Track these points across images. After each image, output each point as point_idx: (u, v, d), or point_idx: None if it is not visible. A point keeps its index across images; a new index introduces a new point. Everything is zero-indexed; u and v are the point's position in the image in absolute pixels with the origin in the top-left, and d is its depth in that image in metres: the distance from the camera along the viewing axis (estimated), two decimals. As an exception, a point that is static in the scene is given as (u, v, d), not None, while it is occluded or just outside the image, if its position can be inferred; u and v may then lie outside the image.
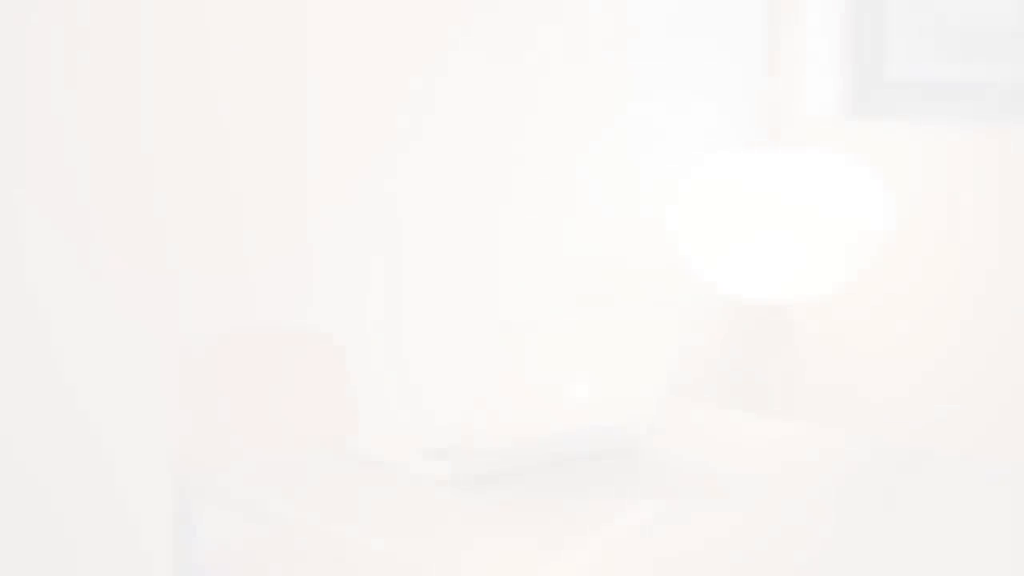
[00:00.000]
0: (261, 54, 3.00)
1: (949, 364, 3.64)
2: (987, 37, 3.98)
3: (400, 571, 1.64)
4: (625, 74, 3.64)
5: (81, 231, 2.83)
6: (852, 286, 3.68)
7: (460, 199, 3.38)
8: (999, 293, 3.54)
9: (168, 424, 2.40)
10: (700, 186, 3.50)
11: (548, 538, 1.74)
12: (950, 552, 1.70)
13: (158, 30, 2.90)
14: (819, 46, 3.89)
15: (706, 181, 3.50)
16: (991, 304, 3.55)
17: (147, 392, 2.77)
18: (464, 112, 3.35)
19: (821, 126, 3.83)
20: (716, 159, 3.54)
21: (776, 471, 2.05)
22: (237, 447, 2.30)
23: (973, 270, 3.57)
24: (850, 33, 3.93)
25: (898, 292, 3.73)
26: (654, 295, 3.63)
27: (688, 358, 3.58)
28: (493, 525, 1.78)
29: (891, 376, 3.76)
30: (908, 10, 3.94)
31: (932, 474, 2.09)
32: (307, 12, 3.02)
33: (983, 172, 3.57)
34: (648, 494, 1.90)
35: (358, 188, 3.17)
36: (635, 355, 1.99)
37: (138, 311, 2.89)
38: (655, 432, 2.11)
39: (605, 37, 3.58)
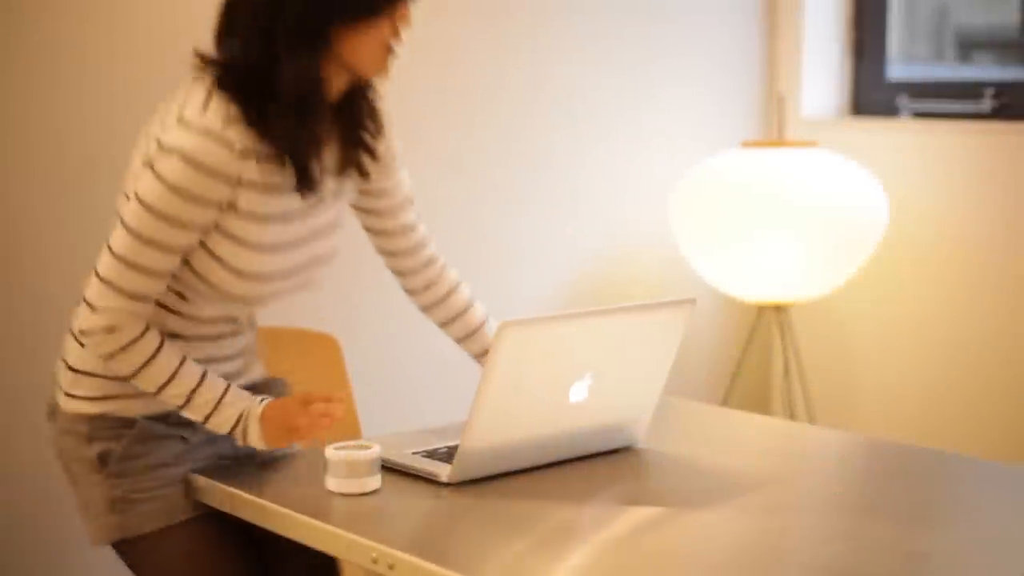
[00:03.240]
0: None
1: (949, 363, 3.64)
2: (987, 37, 3.98)
3: (400, 571, 1.64)
4: (625, 74, 3.64)
5: (83, 234, 2.83)
6: (852, 285, 3.68)
7: (459, 198, 3.38)
8: (998, 291, 3.54)
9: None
10: (700, 186, 3.50)
11: (548, 538, 1.74)
12: (950, 550, 1.70)
13: (148, 33, 2.90)
14: (819, 46, 3.89)
15: (706, 181, 3.50)
16: (992, 303, 3.55)
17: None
18: (463, 112, 3.35)
19: (821, 126, 3.83)
20: (716, 159, 3.54)
21: (776, 471, 2.05)
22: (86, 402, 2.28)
23: (973, 268, 3.57)
24: (850, 33, 3.93)
25: (898, 291, 3.73)
26: (654, 294, 3.63)
27: (688, 358, 3.58)
28: (493, 525, 1.78)
29: (891, 374, 3.76)
30: (908, 10, 3.94)
31: (932, 473, 2.09)
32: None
33: (982, 172, 3.57)
34: (648, 494, 1.90)
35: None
36: (635, 355, 1.99)
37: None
38: (654, 432, 2.11)
39: (606, 37, 3.58)
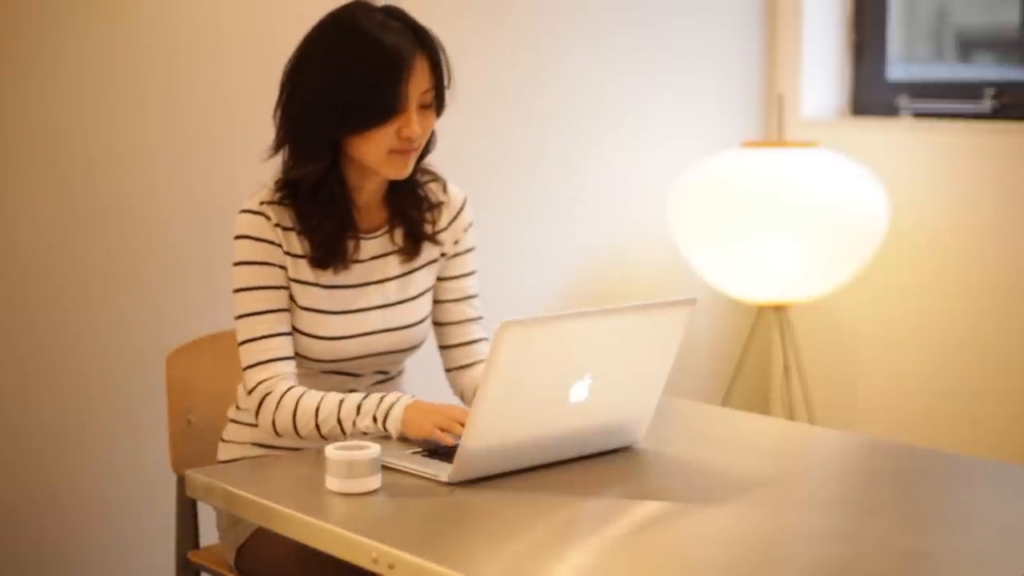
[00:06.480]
0: (259, 50, 3.00)
1: (949, 363, 3.64)
2: (987, 37, 3.98)
3: (400, 571, 1.64)
4: (625, 74, 3.64)
5: (83, 234, 2.83)
6: (852, 285, 3.68)
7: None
8: (998, 291, 3.54)
9: (169, 423, 2.40)
10: (700, 186, 3.50)
11: (548, 538, 1.74)
12: (950, 550, 1.70)
13: (141, 35, 2.90)
14: (819, 46, 3.89)
15: (706, 181, 3.50)
16: (991, 303, 3.55)
17: (148, 391, 2.77)
18: (462, 111, 3.34)
19: (821, 126, 3.83)
20: (716, 159, 3.54)
21: (776, 471, 2.05)
22: (236, 446, 2.30)
23: (973, 268, 3.57)
24: (850, 33, 3.93)
25: (898, 291, 3.73)
26: (654, 294, 3.63)
27: (688, 358, 3.58)
28: (493, 525, 1.78)
29: (891, 374, 3.76)
30: (908, 10, 3.95)
31: (932, 473, 2.09)
32: (302, 11, 3.02)
33: (982, 172, 3.57)
34: (648, 494, 1.90)
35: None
36: (635, 355, 1.99)
37: (140, 314, 2.89)
38: (654, 432, 2.11)
39: (606, 37, 3.58)
